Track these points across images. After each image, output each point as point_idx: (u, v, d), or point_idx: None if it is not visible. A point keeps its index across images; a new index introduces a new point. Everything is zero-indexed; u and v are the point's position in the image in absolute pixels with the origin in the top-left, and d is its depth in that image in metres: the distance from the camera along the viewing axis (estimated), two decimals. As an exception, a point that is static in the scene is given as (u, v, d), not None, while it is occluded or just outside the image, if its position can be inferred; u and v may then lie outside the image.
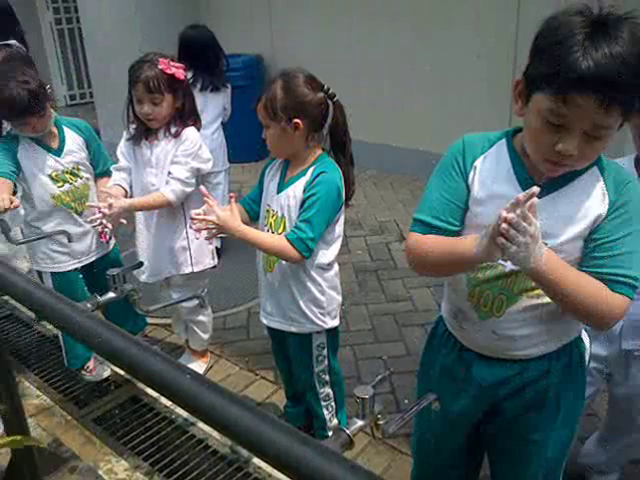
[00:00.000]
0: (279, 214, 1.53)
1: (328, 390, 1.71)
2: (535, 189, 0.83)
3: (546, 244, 0.91)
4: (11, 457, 1.09)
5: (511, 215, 0.83)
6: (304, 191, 1.47)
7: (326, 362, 1.66)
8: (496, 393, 1.13)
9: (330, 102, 1.47)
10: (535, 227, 0.85)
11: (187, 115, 1.91)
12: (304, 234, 1.44)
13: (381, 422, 0.93)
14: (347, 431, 0.88)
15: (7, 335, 2.54)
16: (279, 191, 1.54)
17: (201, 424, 1.89)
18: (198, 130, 1.95)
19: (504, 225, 0.84)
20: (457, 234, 1.05)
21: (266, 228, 1.57)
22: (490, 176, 1.03)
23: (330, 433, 1.73)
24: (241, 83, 3.88)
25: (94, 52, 4.72)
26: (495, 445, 1.23)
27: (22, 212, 2.08)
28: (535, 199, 0.84)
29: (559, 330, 1.08)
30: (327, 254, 1.55)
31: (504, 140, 1.05)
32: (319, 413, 1.74)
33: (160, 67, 1.80)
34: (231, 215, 1.45)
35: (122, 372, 2.04)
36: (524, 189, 0.88)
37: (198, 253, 2.03)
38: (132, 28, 4.44)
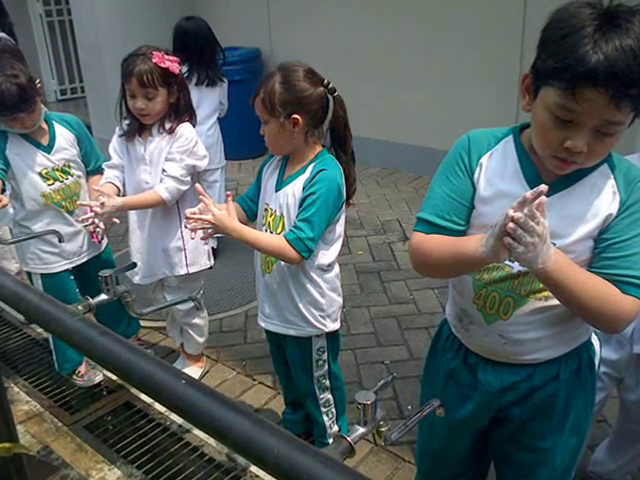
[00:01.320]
0: (278, 213, 1.50)
1: (328, 396, 1.68)
2: (543, 187, 0.82)
3: (554, 244, 0.89)
4: (-1, 465, 1.05)
5: (518, 214, 0.81)
6: (303, 189, 1.44)
7: (326, 367, 1.63)
8: (503, 399, 1.10)
9: (330, 97, 1.44)
10: (543, 226, 0.83)
11: (182, 110, 1.88)
12: (303, 234, 1.40)
13: (383, 429, 0.91)
14: (348, 438, 0.86)
15: (-4, 338, 2.49)
16: (277, 189, 1.51)
17: (197, 431, 1.85)
18: (193, 126, 1.92)
19: (511, 224, 0.82)
20: (462, 234, 1.03)
21: (264, 227, 1.54)
22: (497, 174, 1.01)
23: (330, 440, 1.71)
24: (238, 77, 3.86)
25: (85, 45, 4.64)
26: (502, 453, 1.20)
27: (11, 211, 2.05)
28: (543, 197, 0.82)
29: (568, 333, 1.06)
30: (327, 255, 1.51)
31: (511, 136, 1.03)
32: (319, 419, 1.71)
33: (154, 61, 1.77)
34: (228, 214, 1.42)
35: (115, 377, 1.99)
36: (532, 187, 0.85)
37: (193, 254, 1.99)
38: (125, 20, 4.38)
